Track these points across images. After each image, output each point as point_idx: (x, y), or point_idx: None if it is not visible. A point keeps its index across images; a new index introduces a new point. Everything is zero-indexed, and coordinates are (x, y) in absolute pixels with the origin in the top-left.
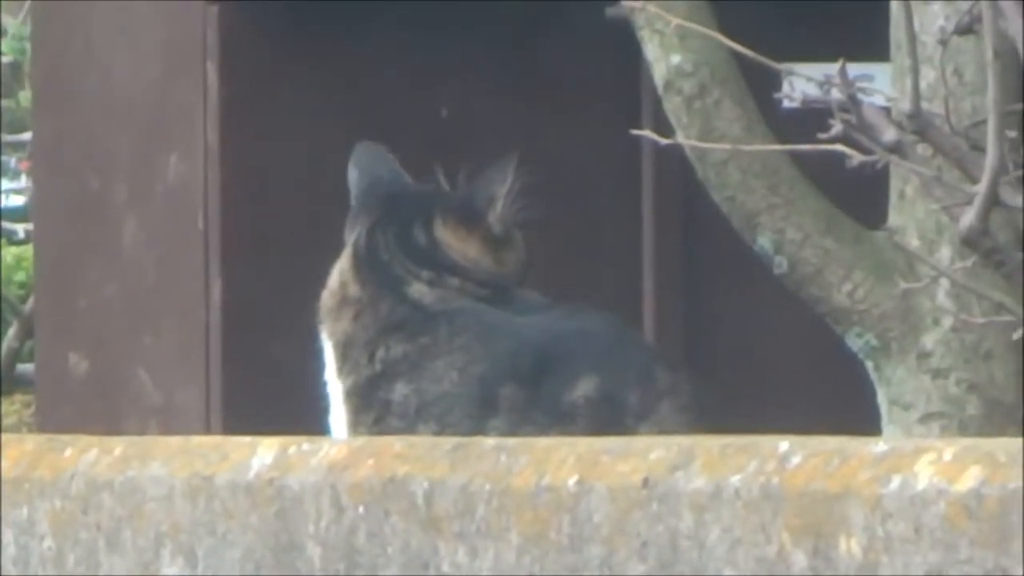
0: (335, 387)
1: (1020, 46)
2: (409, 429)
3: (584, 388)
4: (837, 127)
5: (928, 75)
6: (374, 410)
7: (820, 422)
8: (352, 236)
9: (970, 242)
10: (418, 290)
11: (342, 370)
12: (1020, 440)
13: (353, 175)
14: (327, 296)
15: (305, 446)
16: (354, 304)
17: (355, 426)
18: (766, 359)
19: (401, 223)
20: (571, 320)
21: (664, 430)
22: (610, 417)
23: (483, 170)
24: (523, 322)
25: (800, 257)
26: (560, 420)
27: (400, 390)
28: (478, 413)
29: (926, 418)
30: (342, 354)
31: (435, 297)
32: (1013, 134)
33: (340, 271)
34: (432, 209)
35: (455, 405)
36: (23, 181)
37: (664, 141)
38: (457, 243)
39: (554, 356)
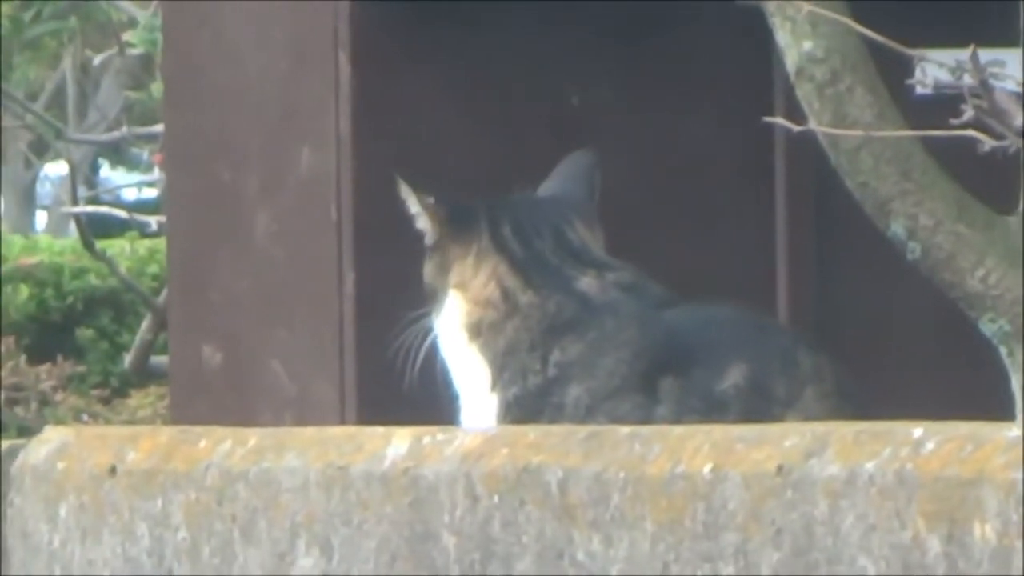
0: (487, 402)
1: None
2: None
3: (734, 377)
4: (969, 113)
5: None
6: (545, 416)
7: (954, 408)
8: (481, 245)
9: None
10: (587, 285)
11: (499, 382)
12: None
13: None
14: (483, 311)
15: (439, 436)
16: (525, 311)
17: None
18: (900, 345)
19: (551, 226)
20: (708, 310)
21: (808, 417)
22: (759, 406)
23: (569, 165)
24: (670, 313)
25: (933, 243)
26: (715, 409)
27: (573, 392)
28: (646, 403)
29: None
30: (500, 365)
31: (599, 292)
32: None
33: (497, 281)
34: (565, 210)
35: (625, 399)
36: (155, 173)
37: (796, 128)
38: (593, 240)
39: (702, 345)
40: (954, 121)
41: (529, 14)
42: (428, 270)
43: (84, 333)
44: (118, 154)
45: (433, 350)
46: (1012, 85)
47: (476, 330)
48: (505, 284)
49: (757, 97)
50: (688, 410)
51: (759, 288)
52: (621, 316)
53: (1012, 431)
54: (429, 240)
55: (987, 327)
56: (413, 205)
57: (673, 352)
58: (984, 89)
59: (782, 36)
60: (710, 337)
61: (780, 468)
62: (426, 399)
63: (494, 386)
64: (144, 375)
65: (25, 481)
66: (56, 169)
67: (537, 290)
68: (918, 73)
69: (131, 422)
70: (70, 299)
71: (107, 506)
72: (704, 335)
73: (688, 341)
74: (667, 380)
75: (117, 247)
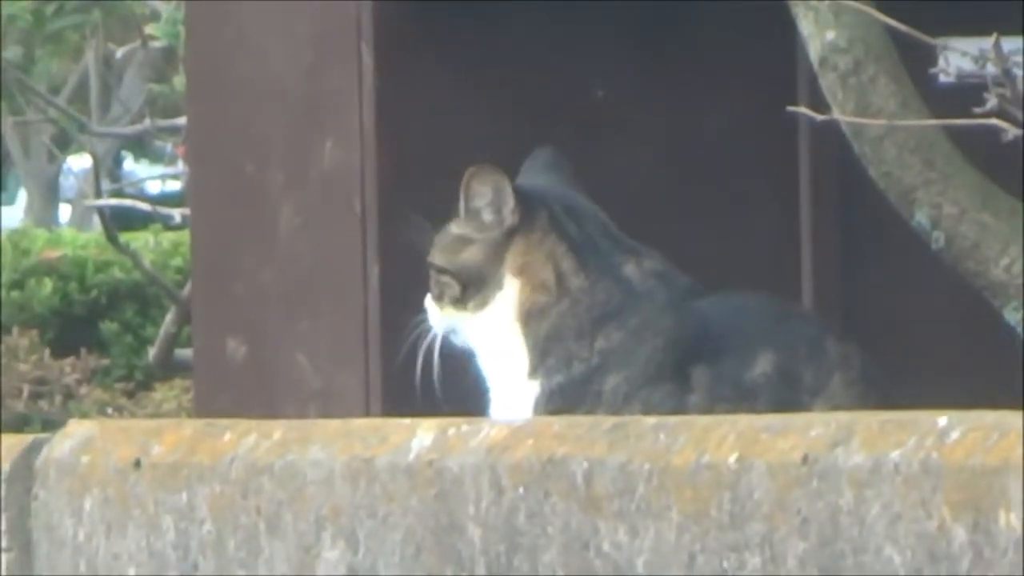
0: (524, 389)
1: None
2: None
3: (763, 365)
4: (992, 101)
5: None
6: (585, 405)
7: (978, 396)
8: (543, 226)
9: None
10: (631, 271)
11: (541, 368)
12: None
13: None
14: (537, 295)
15: (464, 427)
16: (575, 296)
17: None
18: (924, 334)
19: (591, 211)
20: (735, 298)
21: (835, 405)
22: (787, 394)
23: (539, 160)
24: (699, 302)
25: (957, 232)
26: (744, 398)
27: (612, 380)
28: (679, 392)
29: None
30: (543, 351)
31: (640, 279)
32: None
33: (553, 263)
34: (586, 197)
35: (659, 388)
36: (179, 166)
37: (820, 117)
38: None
39: (731, 334)
40: (977, 110)
41: (551, 7)
42: (475, 256)
43: (108, 326)
44: (141, 147)
45: (442, 348)
46: None
47: (527, 315)
48: (561, 267)
49: (780, 87)
50: (719, 399)
51: (784, 278)
52: (657, 304)
53: None
54: (508, 225)
55: (1011, 316)
56: (488, 193)
57: (704, 341)
58: (1007, 78)
59: (805, 26)
60: (739, 325)
61: (805, 458)
62: (451, 390)
63: (535, 372)
64: (168, 368)
65: (50, 475)
66: (79, 162)
67: (588, 275)
68: (941, 62)
69: (156, 415)
70: (94, 292)
71: (132, 499)
72: (733, 323)
73: (718, 329)
74: (699, 368)
75: (141, 240)
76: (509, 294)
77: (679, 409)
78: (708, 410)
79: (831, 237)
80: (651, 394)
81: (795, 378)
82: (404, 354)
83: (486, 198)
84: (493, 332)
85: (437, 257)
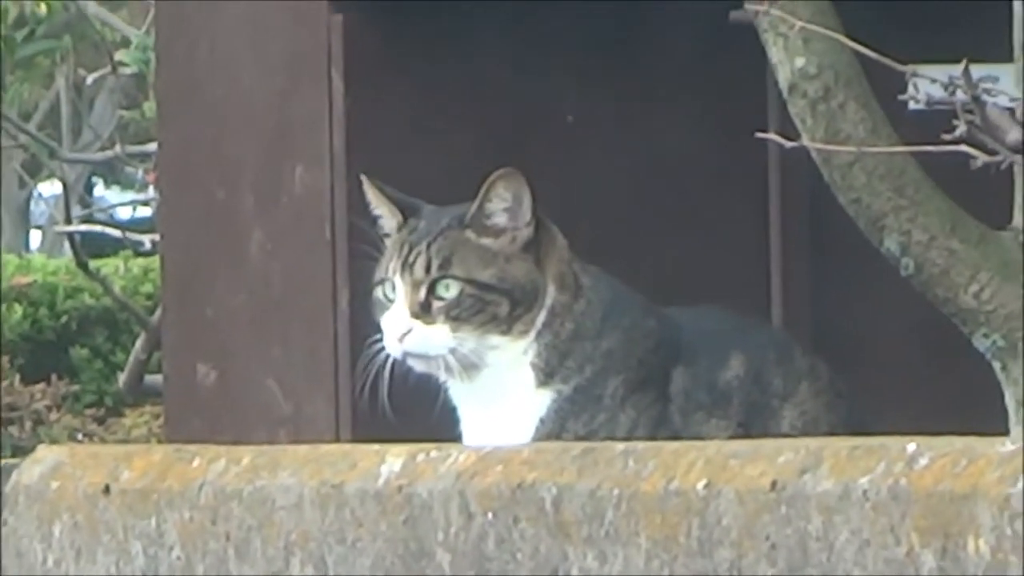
0: (532, 402)
1: None
2: (611, 420)
3: (735, 368)
4: (961, 128)
5: None
6: (587, 412)
7: (947, 423)
8: (552, 232)
9: None
10: (606, 275)
11: (560, 372)
12: None
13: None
14: (562, 296)
15: (433, 453)
16: (588, 295)
17: (559, 438)
18: (893, 360)
19: None
20: (698, 308)
21: (804, 411)
22: (758, 398)
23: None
24: (667, 309)
25: (926, 258)
26: (719, 403)
27: (612, 383)
28: (662, 396)
29: None
30: (563, 353)
31: (619, 283)
32: None
33: (567, 263)
34: None
35: (648, 391)
36: (149, 192)
37: (790, 144)
38: None
39: (703, 336)
40: (947, 136)
41: (523, 31)
42: (522, 271)
43: (78, 352)
44: (112, 173)
45: (398, 371)
46: (1004, 100)
47: (550, 316)
48: (574, 267)
49: (751, 113)
50: (695, 405)
51: (753, 302)
52: (639, 306)
53: (1005, 446)
54: (526, 234)
55: (981, 342)
56: (509, 199)
57: (681, 343)
58: (976, 104)
59: (775, 52)
60: (708, 330)
61: (774, 484)
62: (420, 416)
63: (550, 379)
64: (139, 394)
65: (19, 501)
66: (50, 188)
67: (589, 275)
68: (911, 89)
69: (126, 441)
70: (64, 318)
71: (101, 525)
72: (702, 328)
73: (689, 333)
74: (678, 370)
75: (111, 266)
76: (547, 305)
77: (663, 414)
78: (685, 416)
79: (801, 262)
80: (641, 398)
81: (766, 382)
82: (368, 380)
83: (505, 203)
84: (516, 348)
85: (482, 273)
